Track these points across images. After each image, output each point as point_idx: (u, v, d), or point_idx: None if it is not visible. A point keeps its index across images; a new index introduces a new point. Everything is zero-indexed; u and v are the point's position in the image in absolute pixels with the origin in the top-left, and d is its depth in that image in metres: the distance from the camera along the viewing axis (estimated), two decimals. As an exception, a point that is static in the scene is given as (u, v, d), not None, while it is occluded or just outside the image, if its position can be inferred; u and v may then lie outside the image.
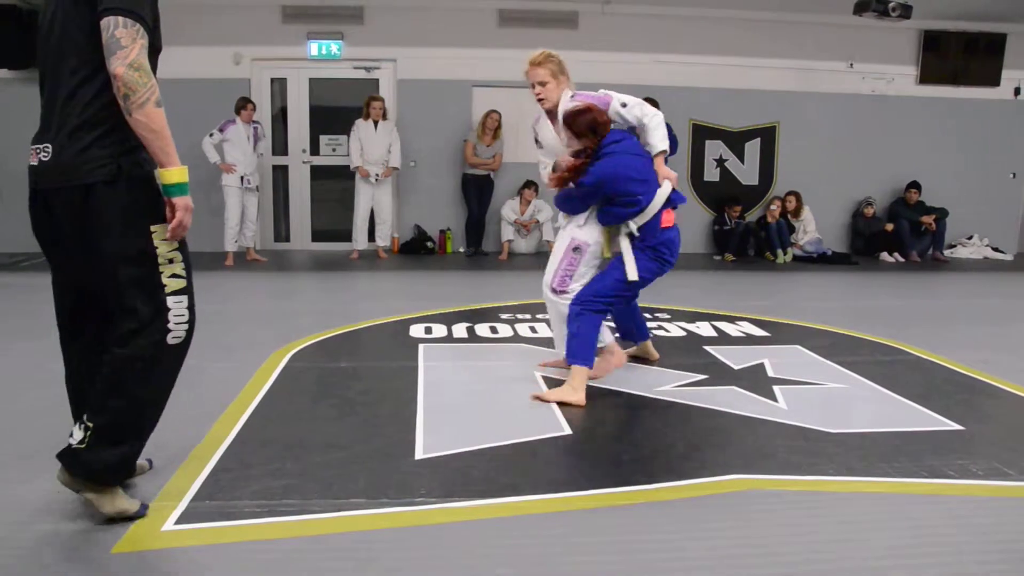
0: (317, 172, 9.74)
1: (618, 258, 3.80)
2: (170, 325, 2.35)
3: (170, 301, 2.34)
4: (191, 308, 2.41)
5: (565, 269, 3.85)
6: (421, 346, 4.69)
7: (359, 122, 8.83)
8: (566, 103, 3.82)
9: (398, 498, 2.58)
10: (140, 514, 2.41)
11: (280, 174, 9.72)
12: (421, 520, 2.45)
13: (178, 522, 2.39)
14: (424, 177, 9.65)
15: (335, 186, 9.67)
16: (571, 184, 3.78)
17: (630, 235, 3.78)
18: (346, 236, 9.25)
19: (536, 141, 4.12)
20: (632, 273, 3.72)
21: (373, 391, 3.83)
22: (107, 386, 2.32)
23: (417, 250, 9.54)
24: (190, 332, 2.42)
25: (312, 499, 2.56)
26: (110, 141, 2.25)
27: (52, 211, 2.32)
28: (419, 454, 2.98)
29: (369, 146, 8.80)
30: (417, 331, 5.11)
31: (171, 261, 2.34)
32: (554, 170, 3.98)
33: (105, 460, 2.33)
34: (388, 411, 3.52)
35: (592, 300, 3.76)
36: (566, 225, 3.96)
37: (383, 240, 9.13)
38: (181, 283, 2.37)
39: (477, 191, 9.34)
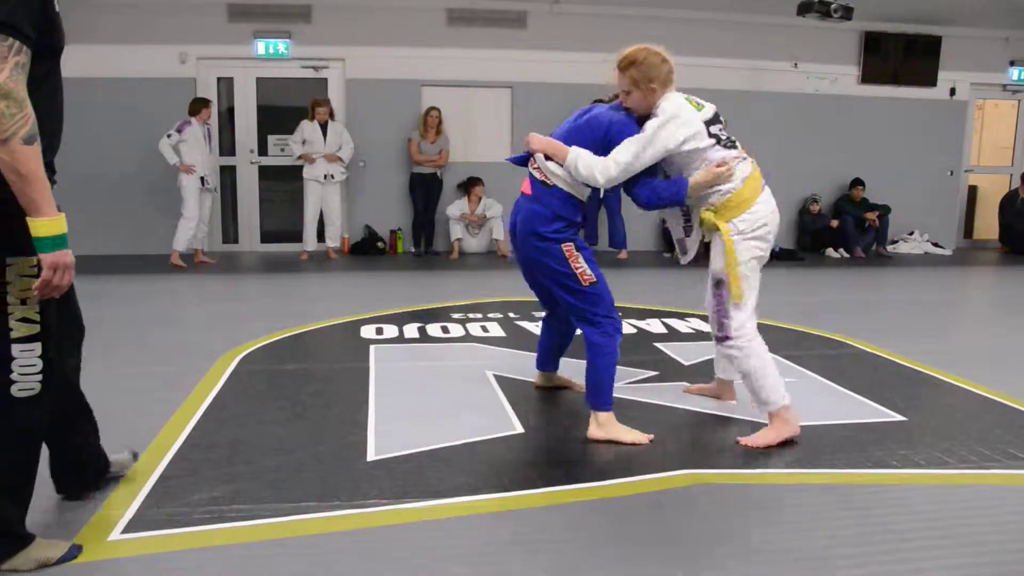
0: (266, 173, 9.60)
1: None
2: (13, 376, 1.99)
3: (15, 349, 1.99)
4: (44, 357, 2.04)
5: (717, 310, 3.22)
6: (372, 347, 4.66)
7: (304, 123, 8.78)
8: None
9: (350, 500, 2.57)
10: (71, 556, 2.14)
11: (228, 175, 9.55)
12: (374, 522, 2.44)
13: (125, 531, 2.34)
14: (374, 177, 9.58)
15: (284, 187, 9.56)
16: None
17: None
18: (296, 237, 9.16)
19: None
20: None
21: (324, 393, 3.80)
22: None
23: (368, 250, 9.47)
24: (46, 384, 2.05)
25: (263, 503, 2.53)
26: None
27: None
28: (371, 455, 2.96)
29: (319, 148, 8.73)
30: (368, 332, 5.08)
31: (23, 302, 1.98)
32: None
33: None
34: (339, 413, 3.49)
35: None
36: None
37: (332, 241, 9.05)
38: (33, 328, 2.00)
39: (424, 189, 9.30)
